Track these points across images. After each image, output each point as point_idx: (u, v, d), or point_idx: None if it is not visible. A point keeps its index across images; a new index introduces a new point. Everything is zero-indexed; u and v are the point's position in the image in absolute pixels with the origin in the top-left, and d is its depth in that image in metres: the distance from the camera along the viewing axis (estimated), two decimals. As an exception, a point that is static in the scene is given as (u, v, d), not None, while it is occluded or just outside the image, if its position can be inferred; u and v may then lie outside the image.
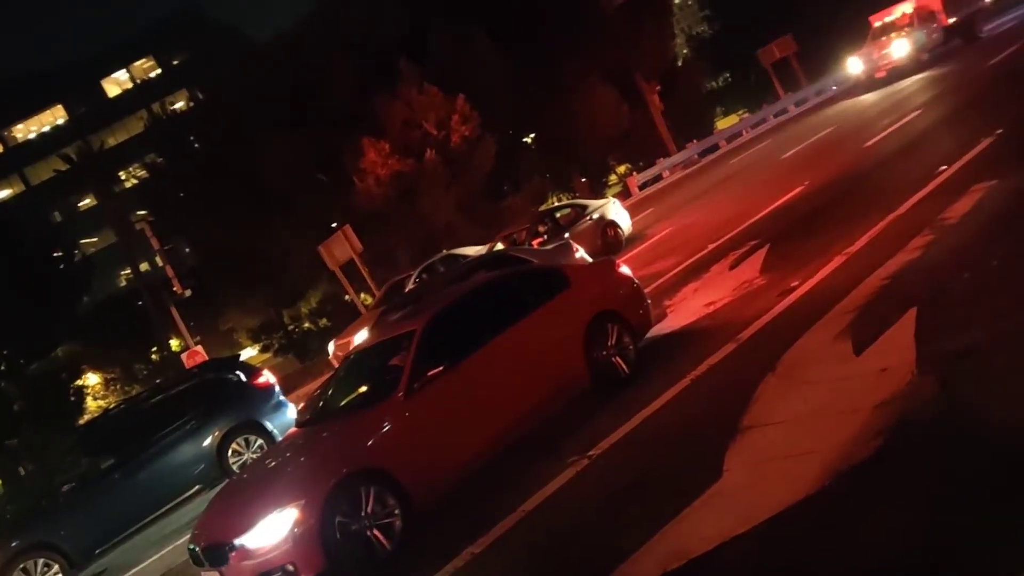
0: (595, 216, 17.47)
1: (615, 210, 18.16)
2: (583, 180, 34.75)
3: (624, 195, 29.93)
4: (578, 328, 7.35)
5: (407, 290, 16.27)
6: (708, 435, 5.52)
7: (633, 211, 21.98)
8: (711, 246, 12.37)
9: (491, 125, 27.11)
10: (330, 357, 19.30)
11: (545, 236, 16.74)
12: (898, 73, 26.39)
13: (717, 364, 6.95)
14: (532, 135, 33.19)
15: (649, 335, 8.24)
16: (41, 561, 10.30)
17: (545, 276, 8.17)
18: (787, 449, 4.85)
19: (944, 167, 10.04)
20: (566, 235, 15.86)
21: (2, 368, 32.17)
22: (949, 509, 3.65)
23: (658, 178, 32.52)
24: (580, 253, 13.73)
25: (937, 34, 26.91)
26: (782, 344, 6.54)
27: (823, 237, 9.48)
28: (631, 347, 7.64)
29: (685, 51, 48.45)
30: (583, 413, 7.08)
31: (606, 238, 16.96)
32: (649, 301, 8.38)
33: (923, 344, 5.38)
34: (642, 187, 31.62)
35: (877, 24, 28.54)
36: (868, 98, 25.16)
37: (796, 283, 8.21)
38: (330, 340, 20.30)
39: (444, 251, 19.73)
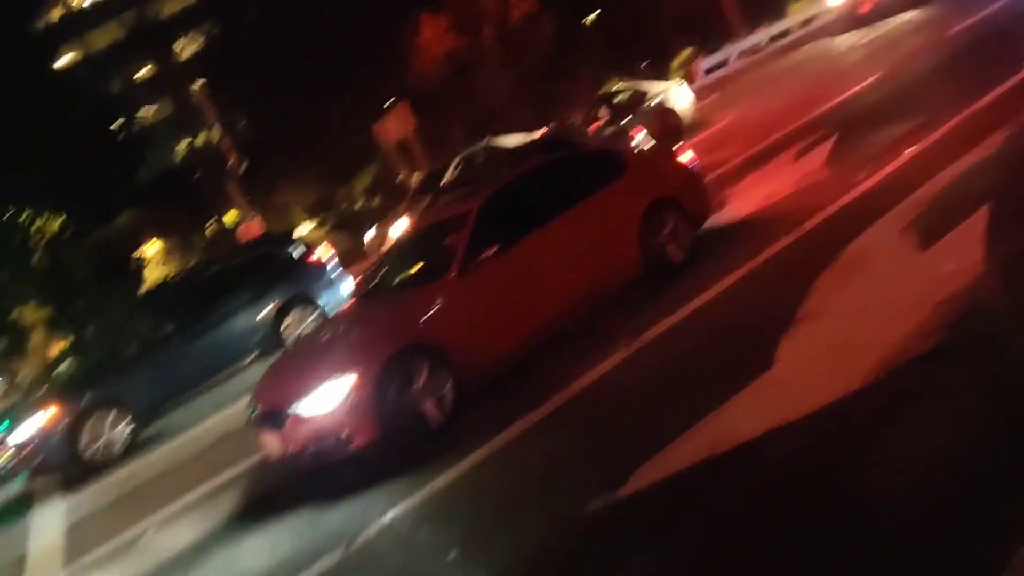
0: (656, 101, 16.99)
1: (678, 95, 17.61)
2: (645, 64, 33.62)
3: (689, 80, 28.96)
4: (634, 215, 7.26)
5: (445, 181, 16.07)
6: (761, 325, 5.47)
7: (698, 97, 21.28)
8: (776, 135, 11.97)
9: (551, 3, 26.21)
10: (368, 244, 19.36)
11: (603, 121, 16.36)
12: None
13: (775, 255, 6.82)
14: (593, 14, 32.01)
15: (707, 224, 8.10)
16: (111, 415, 10.89)
17: (602, 161, 8.01)
18: (842, 341, 4.78)
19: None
20: (625, 120, 15.49)
21: (67, 234, 33.21)
22: (1004, 410, 3.59)
23: (724, 63, 31.34)
24: (639, 138, 13.43)
25: None
26: (845, 237, 6.37)
27: (895, 129, 9.09)
28: (687, 236, 7.54)
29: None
30: (635, 299, 7.07)
31: (666, 124, 16.52)
32: (708, 189, 8.21)
33: (993, 244, 5.19)
34: (707, 72, 30.53)
35: None
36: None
37: (863, 176, 7.93)
38: (377, 220, 20.41)
39: (487, 138, 19.36)
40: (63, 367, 15.41)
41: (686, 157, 8.19)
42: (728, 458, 4.07)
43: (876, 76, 13.13)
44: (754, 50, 31.68)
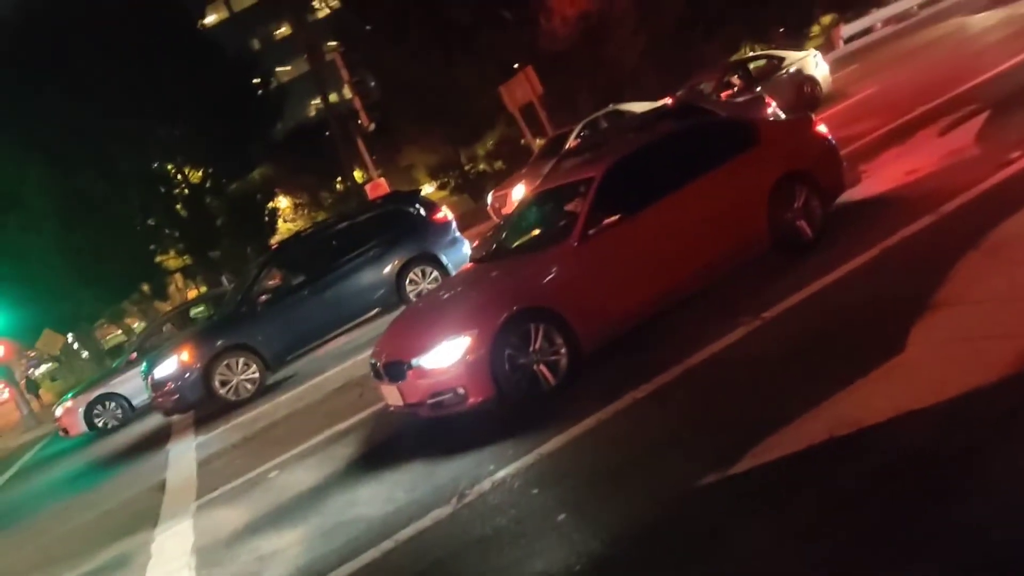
0: (792, 69, 16.35)
1: (814, 64, 16.88)
2: (782, 30, 32.32)
3: (828, 48, 27.68)
4: (764, 187, 7.04)
5: (568, 146, 15.96)
6: (893, 308, 5.23)
7: (836, 67, 20.35)
8: (921, 109, 11.31)
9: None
10: (488, 208, 19.51)
11: (736, 89, 15.86)
12: None
13: (913, 235, 6.49)
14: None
15: (842, 200, 7.78)
16: (242, 360, 11.52)
17: (733, 130, 7.79)
18: (981, 330, 4.52)
19: None
20: (758, 88, 14.97)
21: (208, 185, 34.99)
22: None
23: (868, 31, 29.80)
24: (773, 108, 12.97)
25: None
26: (991, 220, 5.98)
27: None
28: (819, 211, 7.27)
29: None
30: (761, 274, 6.89)
31: (802, 94, 15.89)
32: (844, 163, 7.87)
33: None
34: (848, 40, 29.13)
35: None
36: None
37: (1017, 155, 7.42)
38: (498, 183, 20.51)
39: (611, 105, 19.09)
40: (199, 311, 16.33)
41: (822, 128, 7.87)
42: (849, 442, 3.95)
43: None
44: (901, 17, 29.95)
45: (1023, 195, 6.29)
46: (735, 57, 24.14)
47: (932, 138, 9.54)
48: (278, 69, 49.87)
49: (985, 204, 6.57)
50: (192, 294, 38.60)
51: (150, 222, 33.99)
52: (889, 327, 4.91)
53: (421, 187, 33.07)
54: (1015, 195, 6.39)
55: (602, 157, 7.25)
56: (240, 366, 11.52)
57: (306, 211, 41.51)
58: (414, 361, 6.13)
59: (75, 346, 39.59)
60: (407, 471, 6.06)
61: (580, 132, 17.47)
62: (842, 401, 4.34)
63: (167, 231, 34.53)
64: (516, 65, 23.63)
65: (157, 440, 12.31)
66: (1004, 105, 9.61)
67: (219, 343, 11.56)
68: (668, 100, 16.65)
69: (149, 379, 12.17)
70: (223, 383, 11.43)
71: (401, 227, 12.72)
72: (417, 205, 13.25)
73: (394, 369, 6.34)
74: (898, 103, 12.55)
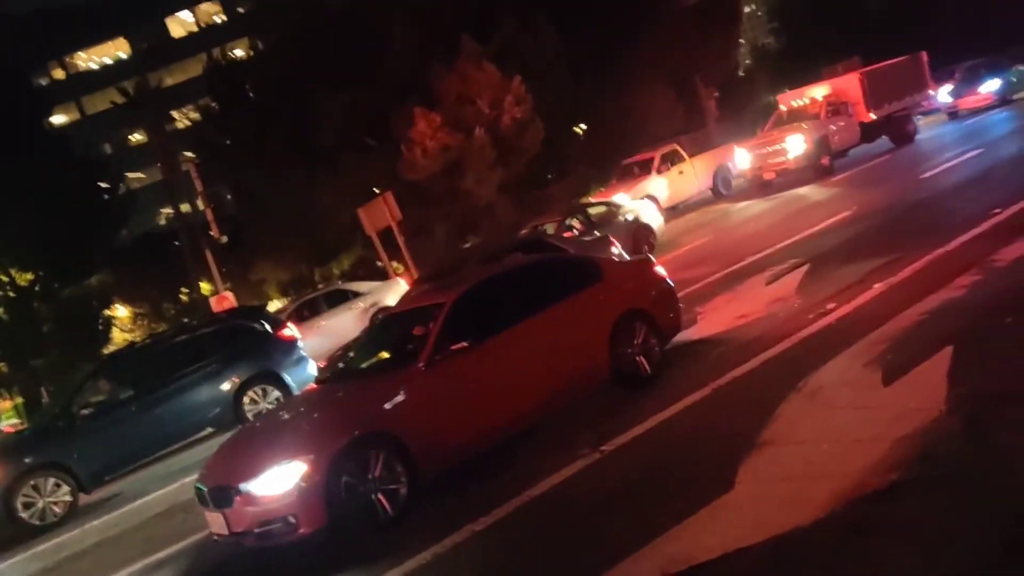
0: (628, 217, 17.31)
1: (649, 212, 17.99)
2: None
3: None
4: (606, 323, 7.32)
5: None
6: (723, 446, 5.47)
7: (673, 216, 21.79)
8: (750, 259, 12.22)
9: (543, 110, 26.97)
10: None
11: (577, 231, 16.55)
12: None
13: (741, 376, 6.87)
14: (583, 125, 32.95)
15: (677, 339, 8.18)
16: (52, 480, 10.50)
17: (580, 266, 8.13)
18: (802, 470, 4.79)
19: (998, 209, 9.84)
20: (596, 232, 15.67)
21: (37, 288, 32.76)
22: (955, 556, 3.57)
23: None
24: (617, 250, 13.62)
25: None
26: (810, 365, 6.46)
27: (865, 263, 9.33)
28: (656, 348, 7.60)
29: (748, 61, 47.72)
30: (600, 408, 7.06)
31: (638, 240, 16.77)
32: (681, 305, 8.32)
33: (955, 383, 5.27)
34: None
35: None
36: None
37: (832, 305, 8.09)
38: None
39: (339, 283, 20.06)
40: (9, 423, 14.95)
41: (660, 271, 8.32)
42: (680, 579, 4.00)
43: (849, 211, 13.55)
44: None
45: (837, 343, 6.82)
46: (582, 199, 25.39)
47: (759, 286, 10.25)
48: (129, 175, 48.39)
49: (806, 350, 7.07)
50: (5, 406, 35.40)
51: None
52: (719, 464, 5.11)
53: (270, 302, 32.29)
54: (831, 342, 6.93)
55: (453, 284, 7.35)
56: (49, 487, 10.49)
57: (147, 321, 39.49)
58: (243, 486, 5.79)
59: None
60: (227, 608, 5.62)
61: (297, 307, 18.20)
62: (674, 537, 4.42)
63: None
64: (376, 190, 23.94)
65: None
66: (821, 259, 10.50)
67: (27, 460, 10.53)
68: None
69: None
70: (26, 505, 10.34)
71: (244, 343, 12.24)
72: (262, 320, 12.86)
73: (221, 495, 5.96)
74: (729, 252, 13.51)
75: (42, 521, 10.35)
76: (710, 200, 23.72)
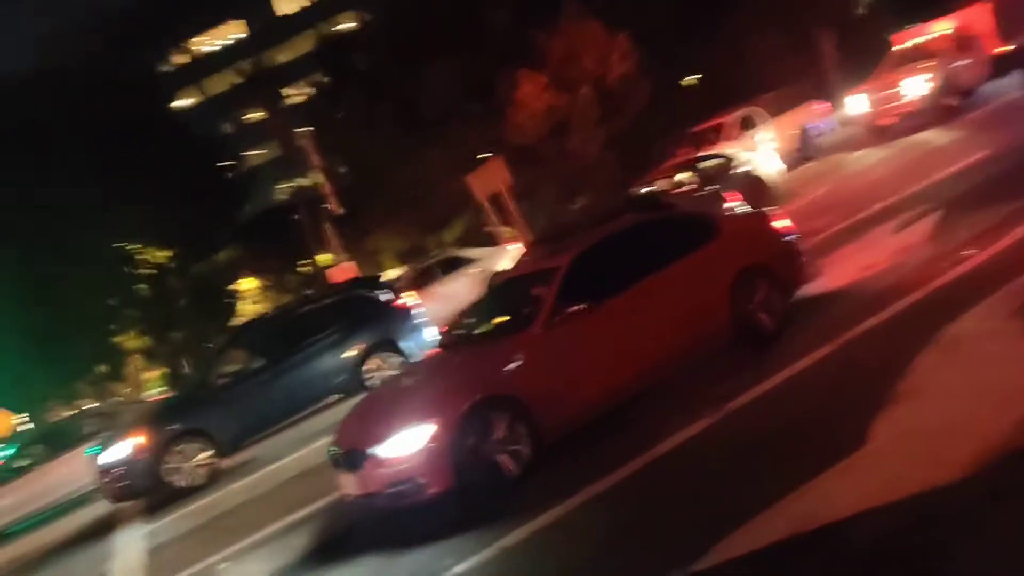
0: (745, 168, 16.75)
1: (767, 162, 17.33)
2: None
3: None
4: (724, 280, 7.14)
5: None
6: (854, 401, 5.26)
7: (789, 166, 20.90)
8: (877, 206, 11.64)
9: (650, 66, 26.38)
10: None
11: (690, 186, 16.16)
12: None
13: (871, 329, 6.57)
14: (692, 77, 32.04)
15: (801, 293, 7.91)
16: (195, 445, 11.19)
17: (695, 224, 7.93)
18: (941, 425, 4.55)
19: None
20: (712, 187, 15.25)
21: (172, 266, 34.74)
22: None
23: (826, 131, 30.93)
24: (734, 204, 13.24)
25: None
26: (947, 316, 6.08)
27: (1004, 206, 8.72)
28: (780, 303, 7.38)
29: (869, -1, 45.09)
30: (723, 366, 6.91)
31: (755, 192, 16.21)
32: (803, 258, 8.03)
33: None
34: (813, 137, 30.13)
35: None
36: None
37: (969, 252, 7.62)
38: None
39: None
40: (155, 393, 15.95)
41: (781, 224, 8.04)
42: (812, 538, 3.91)
43: (985, 152, 12.69)
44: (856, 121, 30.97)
45: (976, 291, 6.42)
46: (690, 156, 24.68)
47: (887, 235, 9.75)
48: (249, 152, 50.34)
49: (942, 300, 6.67)
50: (150, 377, 37.82)
51: (110, 302, 33.51)
52: (850, 419, 4.93)
53: (388, 271, 33.12)
54: (970, 292, 6.51)
55: (568, 247, 7.33)
56: (194, 451, 11.19)
57: (272, 293, 41.28)
58: (372, 450, 6.00)
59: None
60: (362, 565, 5.87)
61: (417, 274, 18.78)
62: (804, 496, 4.30)
63: (127, 312, 34.03)
64: (482, 155, 24.05)
65: (102, 530, 11.82)
66: (957, 204, 9.90)
67: (172, 427, 11.25)
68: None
69: (96, 464, 11.75)
70: (175, 469, 11.07)
71: (364, 312, 12.65)
72: (380, 290, 13.22)
73: (352, 458, 6.20)
74: (855, 200, 12.87)
75: (190, 484, 11.07)
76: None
